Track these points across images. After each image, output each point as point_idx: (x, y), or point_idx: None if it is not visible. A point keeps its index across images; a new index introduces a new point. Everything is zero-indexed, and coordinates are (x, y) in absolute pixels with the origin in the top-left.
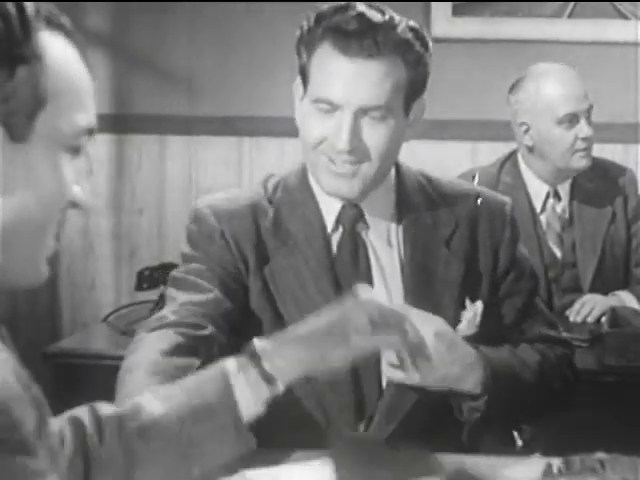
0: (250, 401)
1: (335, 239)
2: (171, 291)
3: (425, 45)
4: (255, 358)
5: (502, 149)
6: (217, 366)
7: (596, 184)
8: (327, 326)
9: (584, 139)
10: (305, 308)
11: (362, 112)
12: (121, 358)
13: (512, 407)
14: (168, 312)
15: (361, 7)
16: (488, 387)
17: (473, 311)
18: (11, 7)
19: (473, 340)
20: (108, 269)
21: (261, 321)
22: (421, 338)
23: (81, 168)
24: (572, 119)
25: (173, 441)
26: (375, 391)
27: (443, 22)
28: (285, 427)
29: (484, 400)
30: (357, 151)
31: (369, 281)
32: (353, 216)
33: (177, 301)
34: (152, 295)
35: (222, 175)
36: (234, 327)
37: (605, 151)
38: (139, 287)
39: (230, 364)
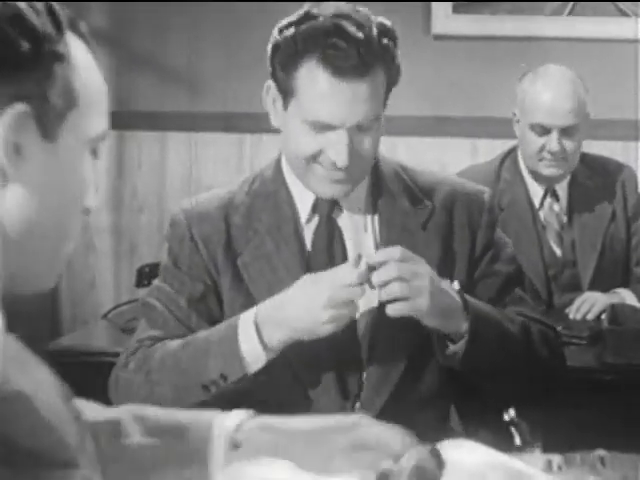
0: (217, 462)
1: (311, 227)
2: (140, 321)
3: (395, 39)
4: (236, 428)
5: (502, 146)
6: (207, 420)
7: (595, 182)
8: (309, 435)
9: (551, 152)
10: (277, 292)
11: (356, 128)
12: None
13: (496, 357)
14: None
15: (343, 22)
16: (472, 327)
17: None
18: (42, 5)
19: None
20: (108, 266)
21: (233, 312)
22: None
23: (97, 171)
24: (543, 130)
25: (139, 473)
26: (357, 370)
27: (443, 20)
28: (270, 410)
29: (465, 340)
30: (352, 161)
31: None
32: (329, 204)
33: (137, 336)
34: None
35: (223, 172)
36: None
37: (605, 148)
38: (139, 284)
39: (218, 422)
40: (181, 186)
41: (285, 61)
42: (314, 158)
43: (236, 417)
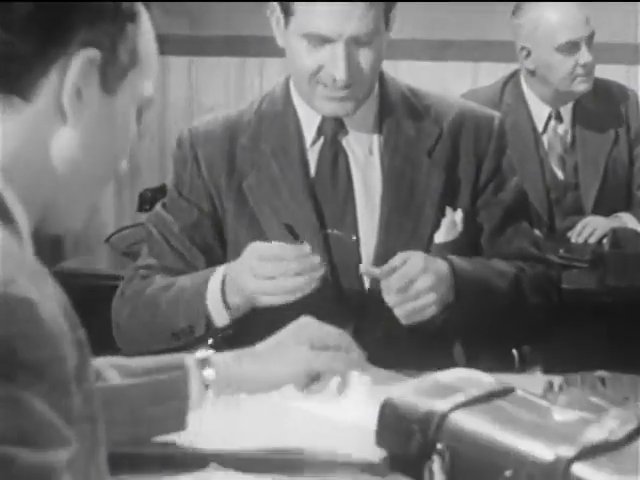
0: (194, 399)
1: (316, 149)
2: (143, 247)
3: None
4: (203, 365)
5: (504, 70)
6: (179, 358)
7: (599, 106)
8: (267, 347)
9: (584, 65)
10: (281, 215)
11: (353, 41)
12: (123, 279)
13: (484, 315)
14: (129, 274)
15: None
16: (455, 292)
17: (452, 218)
18: None
19: (452, 251)
20: (110, 191)
21: (237, 236)
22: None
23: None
24: (572, 46)
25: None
26: (359, 295)
27: None
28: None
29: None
30: (352, 77)
31: (349, 187)
32: (334, 126)
33: (137, 262)
34: None
35: (224, 96)
36: (209, 251)
37: (607, 72)
38: (141, 208)
39: (189, 361)
40: (182, 110)
41: None
42: (315, 76)
43: (202, 354)
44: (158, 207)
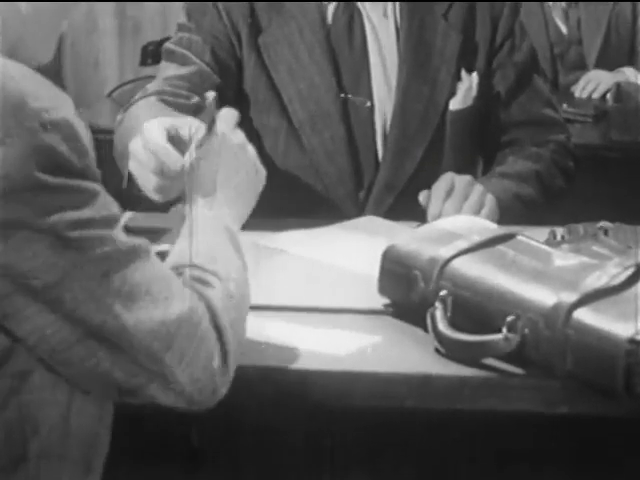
0: None
1: (330, 10)
2: (162, 64)
3: None
4: None
5: None
6: None
7: None
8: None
9: None
10: (299, 78)
11: None
12: None
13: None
14: (151, 85)
15: None
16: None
17: (468, 82)
18: None
19: (466, 119)
20: (112, 46)
21: (256, 94)
22: None
23: None
24: None
25: None
26: (372, 161)
27: None
28: (285, 197)
29: None
30: None
31: (364, 52)
32: None
33: (162, 75)
34: (156, 70)
35: None
36: (225, 100)
37: None
38: (143, 62)
39: None
40: None
41: None
42: None
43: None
44: (174, 39)
